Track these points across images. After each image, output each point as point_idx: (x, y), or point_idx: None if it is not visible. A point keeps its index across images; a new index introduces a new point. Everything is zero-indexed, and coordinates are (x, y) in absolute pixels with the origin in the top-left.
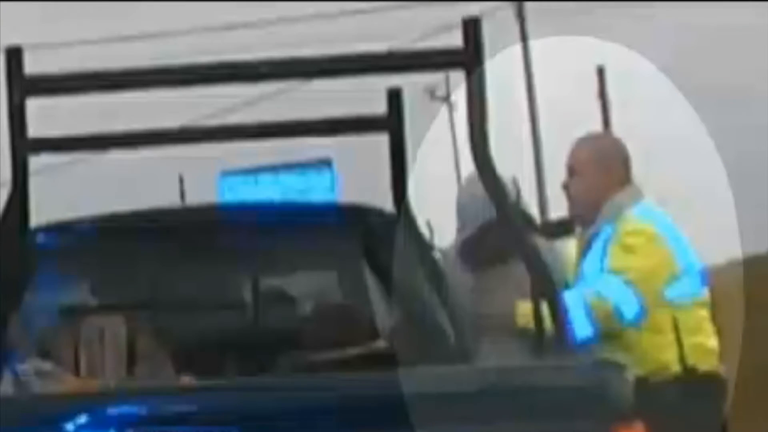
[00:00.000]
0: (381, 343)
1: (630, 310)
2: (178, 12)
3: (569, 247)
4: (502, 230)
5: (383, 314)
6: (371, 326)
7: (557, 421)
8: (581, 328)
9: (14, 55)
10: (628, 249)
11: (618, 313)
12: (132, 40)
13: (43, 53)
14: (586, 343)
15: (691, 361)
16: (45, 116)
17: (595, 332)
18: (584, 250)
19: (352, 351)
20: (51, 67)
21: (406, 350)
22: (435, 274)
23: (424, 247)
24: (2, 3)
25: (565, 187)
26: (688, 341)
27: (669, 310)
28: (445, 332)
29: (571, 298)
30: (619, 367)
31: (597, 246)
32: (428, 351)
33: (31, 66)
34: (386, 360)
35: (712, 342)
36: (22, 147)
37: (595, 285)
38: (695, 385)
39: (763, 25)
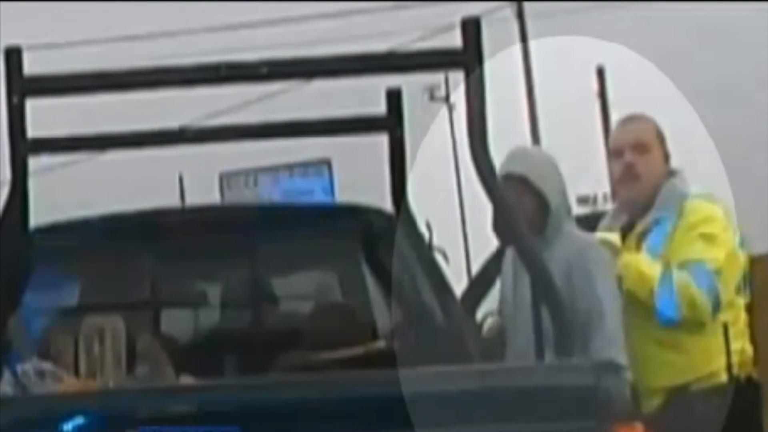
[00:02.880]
0: (381, 343)
1: (713, 301)
2: (178, 12)
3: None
4: (503, 229)
5: (383, 314)
6: (371, 326)
7: (557, 422)
8: (667, 310)
9: (14, 55)
10: (708, 238)
11: (704, 303)
12: (133, 40)
13: (43, 53)
14: (669, 323)
15: (735, 369)
16: (45, 116)
17: (679, 315)
18: (641, 239)
19: (352, 351)
20: (51, 67)
21: (406, 350)
22: (435, 273)
23: (423, 247)
24: (2, 3)
25: (631, 165)
26: (733, 347)
27: (734, 308)
28: (445, 332)
29: (665, 284)
30: (619, 368)
31: (657, 234)
32: (428, 351)
33: (31, 66)
34: (386, 360)
35: (749, 346)
36: (22, 147)
37: (686, 271)
38: (738, 394)
39: (763, 25)
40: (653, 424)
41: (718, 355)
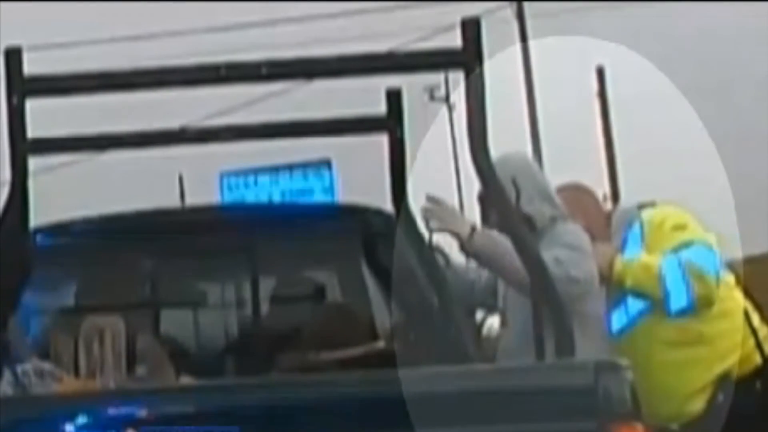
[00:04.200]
0: (381, 343)
1: (716, 275)
2: (178, 12)
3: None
4: (503, 231)
5: (383, 314)
6: (371, 326)
7: (557, 422)
8: (678, 298)
9: (14, 56)
10: (681, 227)
11: (710, 276)
12: (133, 40)
13: (43, 53)
14: (682, 314)
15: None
16: (46, 116)
17: (690, 302)
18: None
19: (352, 351)
20: (51, 67)
21: (406, 350)
22: (435, 273)
23: (423, 247)
24: (2, 3)
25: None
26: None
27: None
28: (444, 332)
29: (668, 267)
30: (618, 367)
31: (632, 245)
32: (428, 351)
33: (31, 66)
34: (386, 360)
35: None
36: (22, 147)
37: (683, 253)
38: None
39: (763, 26)
40: (702, 428)
41: (742, 337)
